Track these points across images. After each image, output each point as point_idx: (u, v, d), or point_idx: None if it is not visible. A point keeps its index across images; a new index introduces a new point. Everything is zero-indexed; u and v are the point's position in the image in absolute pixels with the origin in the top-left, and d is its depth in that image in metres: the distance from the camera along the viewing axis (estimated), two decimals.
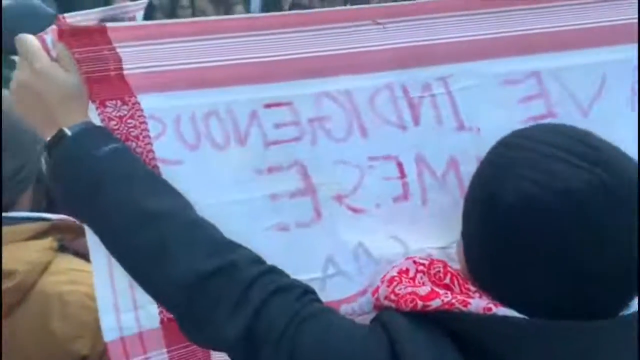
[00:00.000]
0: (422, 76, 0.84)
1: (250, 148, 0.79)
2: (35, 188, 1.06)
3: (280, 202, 0.80)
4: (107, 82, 0.75)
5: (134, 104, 0.76)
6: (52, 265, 0.96)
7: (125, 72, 0.75)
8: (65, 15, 0.76)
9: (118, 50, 0.74)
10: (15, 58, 0.79)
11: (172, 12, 4.07)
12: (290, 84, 0.81)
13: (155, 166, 0.76)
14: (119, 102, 0.76)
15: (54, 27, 0.74)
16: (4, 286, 0.89)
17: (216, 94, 0.78)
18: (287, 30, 0.80)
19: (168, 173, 0.76)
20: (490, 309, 0.60)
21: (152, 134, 0.76)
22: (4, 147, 0.96)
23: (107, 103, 0.75)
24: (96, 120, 0.75)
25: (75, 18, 0.77)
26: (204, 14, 4.25)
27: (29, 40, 0.73)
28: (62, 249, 1.01)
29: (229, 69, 0.78)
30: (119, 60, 0.74)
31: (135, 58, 0.75)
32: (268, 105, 0.80)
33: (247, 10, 4.45)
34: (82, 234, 1.04)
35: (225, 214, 0.74)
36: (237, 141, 0.79)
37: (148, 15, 3.84)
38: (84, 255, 1.08)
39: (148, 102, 0.76)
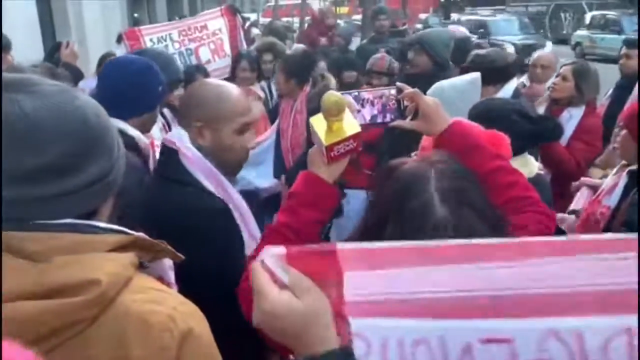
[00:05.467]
0: None
1: None
2: (115, 198, 1.00)
3: None
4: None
5: (343, 324, 0.76)
6: (132, 281, 0.88)
7: (345, 299, 0.76)
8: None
9: (345, 277, 0.75)
10: None
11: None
12: (514, 321, 0.75)
13: None
14: None
15: (282, 251, 0.76)
16: (84, 297, 0.80)
17: (431, 322, 0.75)
18: (513, 264, 0.75)
19: None
20: None
21: (356, 353, 0.75)
22: (95, 145, 0.91)
23: None
24: None
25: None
26: None
27: (257, 276, 0.76)
28: (141, 267, 0.93)
29: (449, 301, 0.75)
30: (340, 288, 0.75)
31: (357, 285, 0.75)
32: (487, 340, 0.74)
33: None
34: (160, 255, 0.99)
35: None
36: None
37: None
38: (157, 279, 1.02)
39: (358, 322, 0.76)
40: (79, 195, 0.88)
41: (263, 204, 3.86)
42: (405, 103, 1.43)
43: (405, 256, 0.76)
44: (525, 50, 11.42)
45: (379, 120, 1.46)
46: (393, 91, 1.45)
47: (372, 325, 0.75)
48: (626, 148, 2.25)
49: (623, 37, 17.24)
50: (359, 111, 1.47)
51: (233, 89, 1.70)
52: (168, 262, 1.05)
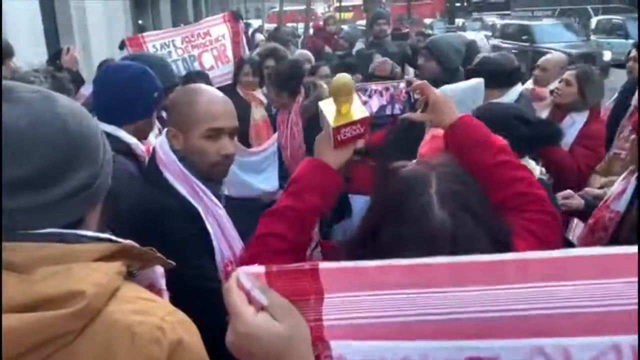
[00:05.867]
0: None
1: None
2: (103, 204, 0.98)
3: None
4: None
5: (324, 347, 0.74)
6: (119, 291, 0.87)
7: (325, 323, 0.74)
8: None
9: (325, 299, 0.73)
10: None
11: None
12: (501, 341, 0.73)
13: None
14: None
15: (260, 270, 0.74)
16: (68, 309, 0.79)
17: (413, 344, 0.74)
18: (508, 287, 0.72)
19: None
20: None
21: None
22: (77, 154, 0.89)
23: None
24: None
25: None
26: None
27: (231, 296, 0.72)
28: (129, 276, 0.92)
29: (431, 324, 0.73)
30: (321, 310, 0.73)
31: (338, 309, 0.73)
32: (472, 359, 0.73)
33: None
34: (149, 263, 0.97)
35: None
36: None
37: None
38: (148, 286, 1.00)
39: (339, 346, 0.74)
40: (63, 205, 0.87)
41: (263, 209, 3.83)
42: (415, 95, 1.44)
43: (389, 276, 0.73)
44: (581, 59, 9.04)
45: (388, 112, 1.48)
46: (402, 84, 1.46)
47: (353, 348, 0.72)
48: (634, 152, 2.22)
49: (630, 41, 17.19)
50: (365, 102, 1.48)
51: (210, 94, 1.70)
52: (159, 269, 1.04)
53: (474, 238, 0.94)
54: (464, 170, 1.10)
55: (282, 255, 1.25)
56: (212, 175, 1.70)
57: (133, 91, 2.03)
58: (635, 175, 2.19)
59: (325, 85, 3.93)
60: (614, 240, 2.09)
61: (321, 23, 8.13)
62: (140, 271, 0.95)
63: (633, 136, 2.22)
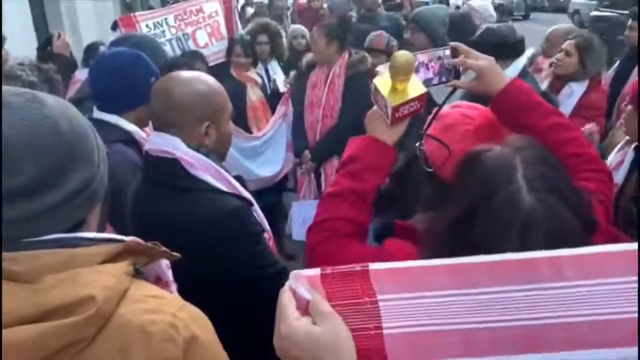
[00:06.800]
0: None
1: None
2: (102, 205, 0.97)
3: None
4: (365, 340, 0.72)
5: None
6: (128, 292, 0.86)
7: (384, 331, 0.72)
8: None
9: (380, 304, 0.72)
10: None
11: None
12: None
13: None
14: None
15: (316, 272, 0.73)
16: (80, 316, 0.77)
17: None
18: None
19: None
20: None
21: None
22: (71, 156, 0.86)
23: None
24: None
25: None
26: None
27: (282, 300, 0.74)
28: (137, 274, 0.91)
29: (496, 332, 0.71)
30: (379, 317, 0.72)
31: (395, 315, 0.72)
32: None
33: None
34: (154, 258, 0.96)
35: None
36: None
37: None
38: (155, 279, 1.00)
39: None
40: (62, 209, 0.85)
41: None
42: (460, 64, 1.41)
43: (437, 277, 0.72)
44: None
45: (435, 82, 1.43)
46: (447, 52, 1.42)
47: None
48: (631, 124, 2.21)
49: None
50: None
51: (205, 76, 1.64)
52: (164, 262, 1.03)
53: (564, 220, 0.93)
54: (547, 150, 1.08)
55: (352, 238, 1.25)
56: (224, 158, 1.69)
57: (129, 78, 1.99)
58: (633, 145, 2.19)
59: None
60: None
61: (304, 1, 7.89)
62: (146, 267, 0.94)
63: (629, 107, 2.20)
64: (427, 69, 1.41)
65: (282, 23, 7.13)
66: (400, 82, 1.28)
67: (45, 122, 0.84)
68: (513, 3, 21.73)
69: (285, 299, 0.74)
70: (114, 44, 2.66)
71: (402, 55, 1.26)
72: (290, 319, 0.72)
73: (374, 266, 0.73)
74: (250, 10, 9.86)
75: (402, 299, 0.72)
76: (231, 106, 1.64)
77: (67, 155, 0.85)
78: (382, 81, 1.32)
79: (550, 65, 3.37)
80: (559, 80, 3.24)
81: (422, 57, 1.40)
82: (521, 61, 3.00)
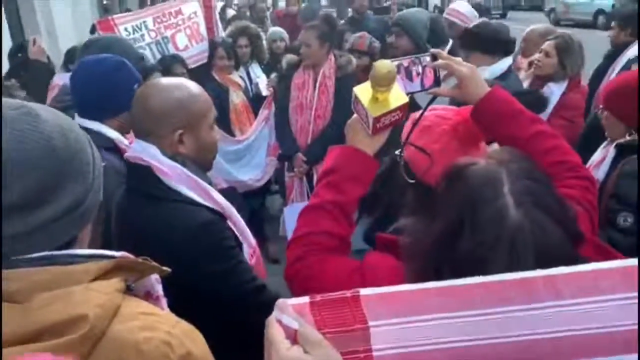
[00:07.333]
0: None
1: None
2: (95, 222, 0.95)
3: None
4: None
5: None
6: (121, 309, 0.84)
7: (374, 353, 0.72)
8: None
9: (371, 330, 0.71)
10: None
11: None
12: None
13: None
14: None
15: (304, 300, 0.72)
16: (73, 335, 0.76)
17: None
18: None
19: None
20: None
21: None
22: (65, 173, 0.85)
23: None
24: None
25: None
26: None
27: (270, 330, 0.73)
28: (128, 290, 0.89)
29: (485, 347, 0.71)
30: (369, 340, 0.71)
31: (386, 338, 0.71)
32: None
33: None
34: (146, 273, 0.94)
35: None
36: None
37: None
38: (145, 294, 0.98)
39: None
40: (54, 227, 0.84)
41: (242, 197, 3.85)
42: (441, 71, 1.39)
43: (430, 300, 0.72)
44: None
45: (416, 89, 1.40)
46: (427, 58, 1.39)
47: None
48: (611, 126, 2.26)
49: (596, 1, 17.20)
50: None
51: (187, 82, 1.61)
52: (154, 276, 1.01)
53: (551, 235, 0.91)
54: (532, 163, 1.06)
55: (334, 252, 1.22)
56: (210, 166, 1.65)
57: (112, 85, 1.96)
58: (614, 144, 2.23)
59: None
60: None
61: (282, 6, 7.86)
62: (137, 283, 0.93)
63: (606, 112, 2.25)
64: (408, 75, 1.40)
65: (263, 25, 7.10)
66: (382, 92, 1.26)
67: (37, 137, 0.82)
68: (490, 2, 21.99)
69: (274, 330, 0.73)
70: (84, 46, 2.61)
71: (383, 65, 1.24)
72: (281, 348, 0.71)
73: (365, 292, 0.72)
74: (230, 12, 9.78)
75: (394, 323, 0.72)
76: (215, 113, 1.61)
77: (60, 172, 0.83)
78: (363, 90, 1.29)
79: (530, 65, 3.41)
80: (539, 81, 3.28)
81: (405, 62, 1.39)
82: (508, 60, 3.03)
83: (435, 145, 1.40)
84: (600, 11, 16.91)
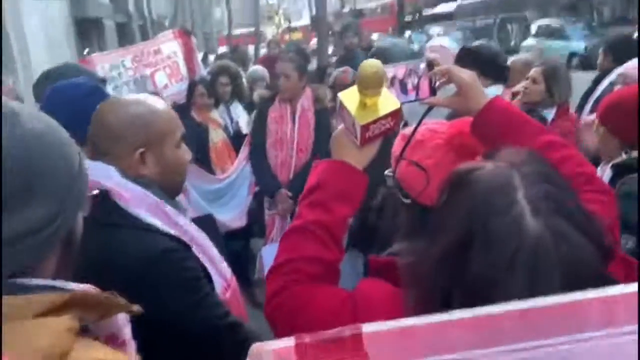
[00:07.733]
0: None
1: None
2: (64, 252, 0.81)
3: None
4: None
5: None
6: (71, 354, 0.67)
7: None
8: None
9: None
10: None
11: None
12: None
13: None
14: None
15: (289, 343, 0.59)
16: None
17: None
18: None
19: None
20: None
21: None
22: (33, 189, 0.72)
23: None
24: None
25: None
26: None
27: None
28: (83, 331, 0.73)
29: None
30: None
31: None
32: None
33: None
34: (108, 312, 0.78)
35: None
36: None
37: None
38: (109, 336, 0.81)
39: None
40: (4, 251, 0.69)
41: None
42: (438, 79, 1.27)
43: (446, 336, 0.58)
44: None
45: (410, 99, 1.27)
46: (422, 65, 1.26)
47: None
48: (606, 144, 2.18)
49: (572, 43, 17.87)
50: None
51: (150, 98, 1.48)
52: (123, 316, 0.85)
53: (578, 248, 0.78)
54: (548, 164, 0.91)
55: (320, 281, 1.05)
56: (179, 190, 1.51)
57: (88, 110, 1.83)
58: (611, 164, 2.15)
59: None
60: None
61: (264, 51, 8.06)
62: (98, 322, 0.76)
63: (602, 128, 2.17)
64: (403, 88, 1.28)
65: (245, 67, 7.12)
66: (370, 96, 1.12)
67: (11, 145, 0.70)
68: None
69: None
70: (44, 77, 2.50)
71: (370, 64, 1.10)
72: None
73: (368, 328, 0.58)
74: (212, 58, 9.91)
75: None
76: (182, 130, 1.47)
77: (22, 189, 0.71)
78: (349, 95, 1.15)
79: (514, 95, 3.36)
80: (527, 108, 3.23)
81: (396, 70, 1.26)
82: (499, 88, 2.99)
83: (429, 161, 1.26)
84: (573, 54, 17.43)
